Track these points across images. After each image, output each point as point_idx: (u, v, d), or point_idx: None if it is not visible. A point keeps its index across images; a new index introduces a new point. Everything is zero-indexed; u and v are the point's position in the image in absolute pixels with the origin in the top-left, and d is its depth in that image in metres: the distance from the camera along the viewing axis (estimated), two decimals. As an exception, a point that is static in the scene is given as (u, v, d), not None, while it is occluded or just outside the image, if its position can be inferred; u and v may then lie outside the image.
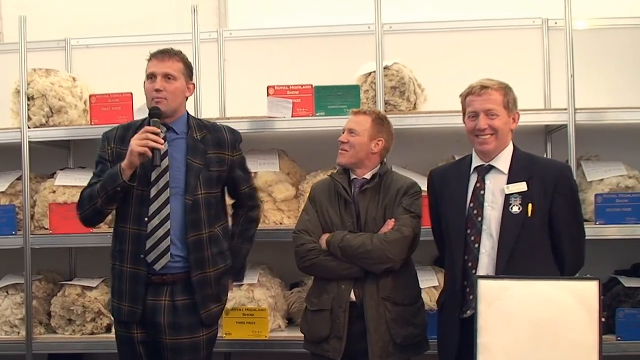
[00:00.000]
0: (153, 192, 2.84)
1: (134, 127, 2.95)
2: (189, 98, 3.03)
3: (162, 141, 2.78)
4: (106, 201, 2.81)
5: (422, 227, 3.00)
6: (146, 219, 2.83)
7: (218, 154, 2.97)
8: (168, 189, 2.85)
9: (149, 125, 2.84)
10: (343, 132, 3.06)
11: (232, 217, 3.15)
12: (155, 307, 2.85)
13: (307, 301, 3.08)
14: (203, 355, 2.94)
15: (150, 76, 2.90)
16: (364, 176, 3.03)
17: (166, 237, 2.83)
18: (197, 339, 2.90)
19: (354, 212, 2.97)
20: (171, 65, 2.90)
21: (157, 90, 2.86)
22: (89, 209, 2.86)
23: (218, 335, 3.10)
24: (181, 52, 2.98)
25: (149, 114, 2.87)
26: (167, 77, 2.88)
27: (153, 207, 2.84)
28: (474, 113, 2.75)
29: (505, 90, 2.74)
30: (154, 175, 2.85)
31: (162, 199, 2.84)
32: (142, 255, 2.83)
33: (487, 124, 2.74)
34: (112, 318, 3.04)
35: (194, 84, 3.06)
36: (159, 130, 2.79)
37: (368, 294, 2.89)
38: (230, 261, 3.01)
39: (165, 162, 2.84)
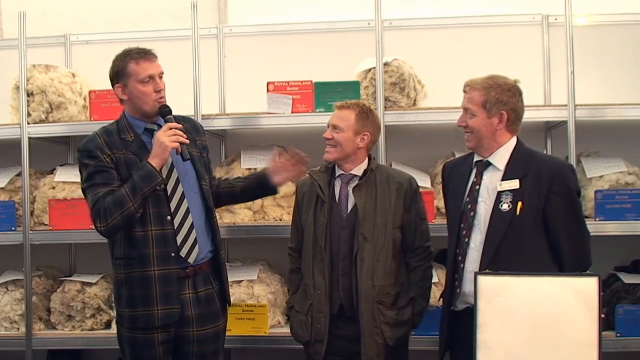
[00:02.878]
0: (168, 189, 2.83)
1: (114, 131, 2.87)
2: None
3: (186, 135, 2.81)
4: (141, 203, 2.73)
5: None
6: (169, 217, 2.81)
7: (200, 140, 3.04)
8: (181, 183, 2.85)
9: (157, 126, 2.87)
10: (328, 127, 3.00)
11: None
12: (182, 302, 2.85)
13: (295, 302, 3.07)
14: (222, 344, 3.00)
15: (149, 78, 2.82)
16: (352, 171, 2.98)
17: (192, 230, 2.84)
18: (219, 328, 2.96)
19: (326, 212, 2.93)
20: (158, 63, 2.90)
21: (158, 91, 2.85)
22: (118, 216, 2.70)
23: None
24: None
25: (161, 114, 2.85)
26: (161, 75, 2.89)
27: (173, 204, 2.83)
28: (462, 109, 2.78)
29: (488, 90, 2.68)
30: (163, 174, 2.81)
31: (178, 193, 2.84)
32: (172, 254, 2.80)
33: (464, 121, 2.75)
34: (123, 324, 2.87)
35: None
36: (181, 126, 2.81)
37: (363, 298, 2.87)
38: None
39: (170, 158, 2.83)
